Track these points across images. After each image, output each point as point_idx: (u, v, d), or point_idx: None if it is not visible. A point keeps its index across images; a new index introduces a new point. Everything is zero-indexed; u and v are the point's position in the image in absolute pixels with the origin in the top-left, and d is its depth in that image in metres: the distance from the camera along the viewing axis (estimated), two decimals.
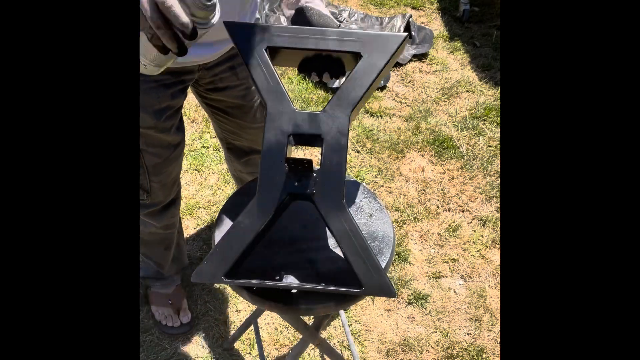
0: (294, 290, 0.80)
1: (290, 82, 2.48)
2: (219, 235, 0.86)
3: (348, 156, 1.82)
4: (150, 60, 0.67)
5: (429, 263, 1.76)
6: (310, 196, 0.72)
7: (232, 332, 1.52)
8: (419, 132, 2.22)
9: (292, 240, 0.87)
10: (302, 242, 0.87)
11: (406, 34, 0.77)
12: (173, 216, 1.36)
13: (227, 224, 0.90)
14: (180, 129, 1.19)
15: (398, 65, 2.62)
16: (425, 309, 1.62)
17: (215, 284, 1.64)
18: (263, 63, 0.74)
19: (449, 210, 1.93)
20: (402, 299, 1.65)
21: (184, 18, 0.58)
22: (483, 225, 1.88)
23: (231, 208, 0.94)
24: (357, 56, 0.75)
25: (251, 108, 1.27)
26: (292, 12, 0.98)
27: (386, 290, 0.70)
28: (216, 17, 0.64)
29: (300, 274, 0.81)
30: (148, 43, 0.61)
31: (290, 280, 0.78)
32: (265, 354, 1.47)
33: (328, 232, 0.86)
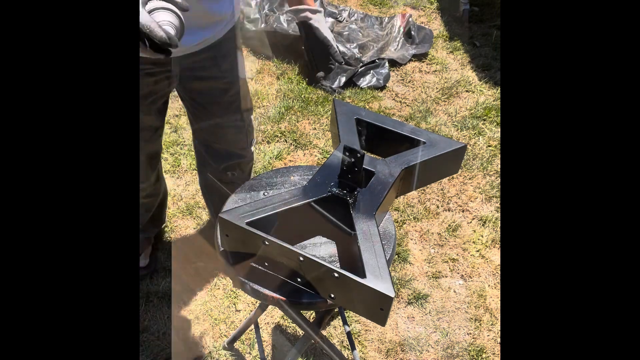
0: (298, 280, 0.80)
1: (290, 82, 2.47)
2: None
3: None
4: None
5: (429, 263, 1.76)
6: (347, 200, 0.84)
7: (232, 332, 1.52)
8: None
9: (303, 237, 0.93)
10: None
11: (465, 144, 0.98)
12: (154, 187, 1.49)
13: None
14: (162, 113, 1.30)
15: (398, 65, 2.62)
16: (425, 308, 1.63)
17: (216, 285, 1.64)
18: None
19: (449, 210, 1.93)
20: (402, 298, 1.65)
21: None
22: (483, 225, 1.88)
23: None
24: (420, 143, 0.96)
25: (231, 104, 1.32)
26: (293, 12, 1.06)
27: (387, 287, 0.71)
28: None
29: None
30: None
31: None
32: (265, 354, 1.47)
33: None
